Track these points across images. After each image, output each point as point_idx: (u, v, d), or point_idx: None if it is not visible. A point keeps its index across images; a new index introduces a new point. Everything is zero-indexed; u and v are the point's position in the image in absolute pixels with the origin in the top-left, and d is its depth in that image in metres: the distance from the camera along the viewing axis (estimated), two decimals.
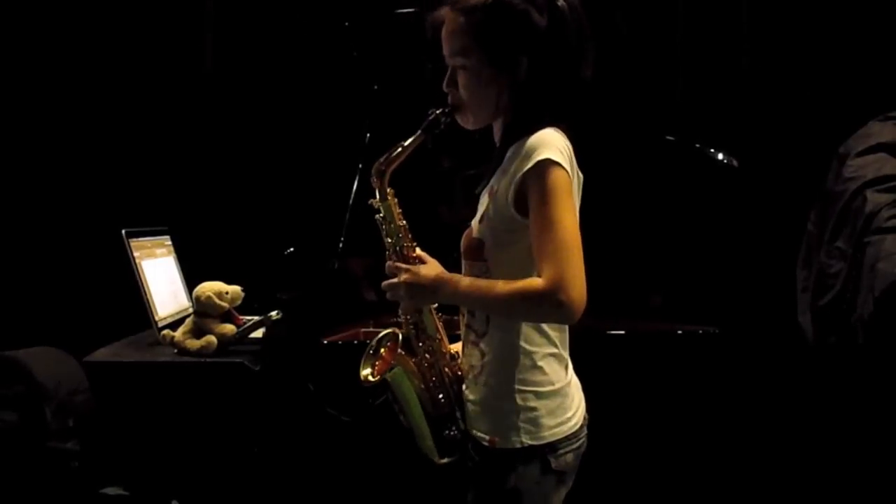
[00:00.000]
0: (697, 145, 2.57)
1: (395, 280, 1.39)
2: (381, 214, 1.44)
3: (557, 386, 1.38)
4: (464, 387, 1.44)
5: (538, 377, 1.36)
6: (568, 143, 1.33)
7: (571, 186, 1.30)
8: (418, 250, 1.44)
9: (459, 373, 1.46)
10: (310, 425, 2.13)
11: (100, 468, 2.50)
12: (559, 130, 1.34)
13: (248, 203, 3.33)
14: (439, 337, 1.46)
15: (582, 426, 1.41)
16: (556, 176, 1.27)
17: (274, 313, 2.21)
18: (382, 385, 1.46)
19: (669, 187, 2.72)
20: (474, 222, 1.42)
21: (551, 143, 1.29)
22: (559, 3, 1.33)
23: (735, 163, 2.51)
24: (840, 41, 2.93)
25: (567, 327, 1.42)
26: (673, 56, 3.18)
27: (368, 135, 2.60)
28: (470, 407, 1.42)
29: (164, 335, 2.25)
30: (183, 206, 3.23)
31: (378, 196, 1.42)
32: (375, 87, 2.65)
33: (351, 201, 2.51)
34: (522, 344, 1.36)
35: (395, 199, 1.43)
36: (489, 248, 1.37)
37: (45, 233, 3.34)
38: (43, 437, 2.57)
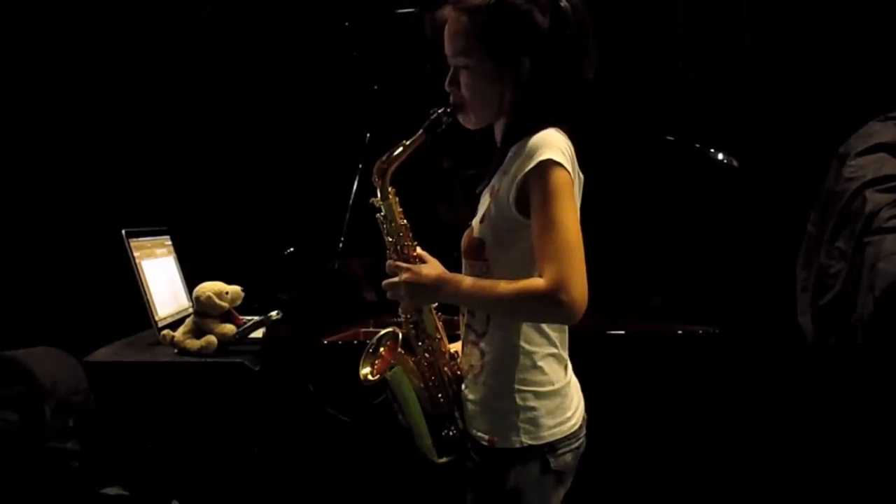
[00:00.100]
0: (697, 145, 2.57)
1: (395, 279, 1.39)
2: (383, 213, 1.44)
3: (557, 386, 1.38)
4: (463, 386, 1.45)
5: (538, 377, 1.36)
6: (569, 143, 1.33)
7: (573, 187, 1.30)
8: (419, 249, 1.44)
9: (459, 372, 1.46)
10: (310, 425, 2.13)
11: (100, 468, 2.50)
12: (561, 131, 1.34)
13: (248, 203, 3.33)
14: (439, 336, 1.47)
15: (581, 426, 1.42)
16: (557, 176, 1.27)
17: (274, 313, 2.21)
18: (382, 384, 1.46)
19: (669, 187, 2.72)
20: (475, 222, 1.42)
21: (553, 144, 1.29)
22: (562, 4, 1.33)
23: (735, 163, 2.51)
24: (840, 41, 2.93)
25: (567, 327, 1.42)
26: (673, 56, 3.18)
27: (368, 135, 2.60)
28: (469, 406, 1.42)
29: (164, 335, 2.25)
30: (183, 206, 3.23)
31: (379, 195, 1.43)
32: (375, 87, 2.65)
33: (351, 201, 2.51)
34: (522, 344, 1.36)
35: (397, 199, 1.44)
36: (490, 247, 1.37)
37: (45, 233, 3.34)
38: (43, 437, 2.57)
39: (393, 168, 1.41)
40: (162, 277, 2.49)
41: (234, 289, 2.28)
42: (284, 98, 3.31)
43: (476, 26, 1.34)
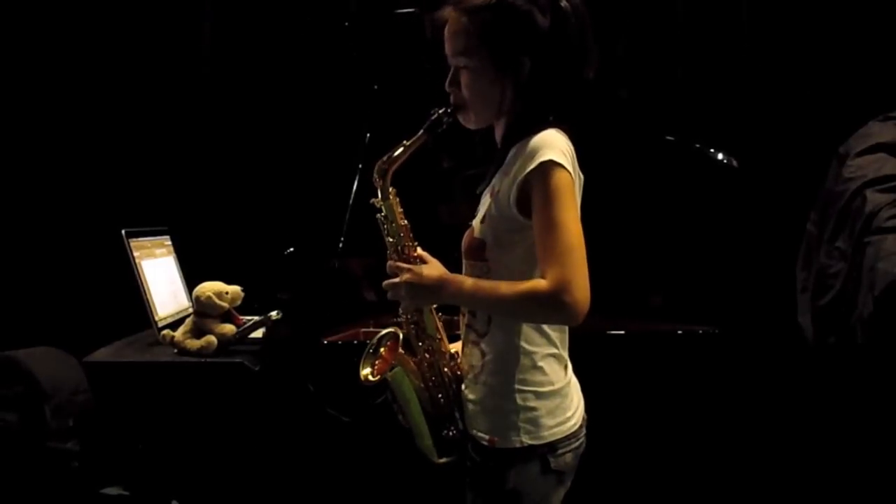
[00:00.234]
0: (697, 145, 2.57)
1: (396, 280, 1.39)
2: (383, 214, 1.44)
3: (557, 386, 1.38)
4: (463, 386, 1.44)
5: (538, 377, 1.36)
6: (570, 144, 1.34)
7: (574, 188, 1.31)
8: (419, 250, 1.44)
9: (459, 373, 1.46)
10: (310, 425, 2.13)
11: (100, 468, 2.50)
12: (561, 131, 1.34)
13: (248, 203, 3.33)
14: (439, 337, 1.47)
15: (581, 426, 1.42)
16: (559, 177, 1.27)
17: (274, 313, 2.21)
18: (382, 385, 1.46)
19: (669, 187, 2.72)
20: (475, 222, 1.42)
21: (554, 145, 1.29)
22: (562, 4, 1.33)
23: (735, 163, 2.51)
24: (840, 41, 2.93)
25: (567, 328, 1.42)
26: (673, 56, 3.18)
27: (368, 135, 2.60)
28: (469, 407, 1.42)
29: (164, 335, 2.25)
30: (183, 206, 3.23)
31: (380, 195, 1.43)
32: (375, 87, 2.65)
33: (351, 201, 2.51)
34: (523, 344, 1.36)
35: (397, 199, 1.43)
36: (490, 248, 1.37)
37: (45, 233, 3.34)
38: (43, 437, 2.57)
39: (393, 168, 1.41)
40: (162, 277, 2.49)
41: (234, 289, 2.28)
42: (284, 98, 3.31)
43: (476, 26, 1.34)
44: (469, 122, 1.43)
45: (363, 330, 2.49)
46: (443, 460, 1.45)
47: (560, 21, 1.33)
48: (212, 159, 3.37)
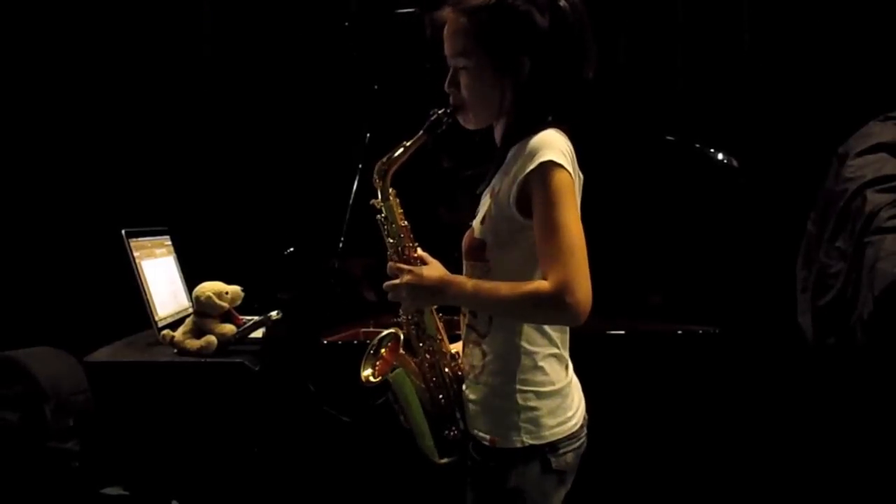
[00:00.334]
0: (697, 145, 2.57)
1: (396, 281, 1.39)
2: (383, 215, 1.44)
3: (558, 386, 1.38)
4: (464, 387, 1.44)
5: (539, 377, 1.36)
6: (569, 144, 1.34)
7: (574, 188, 1.31)
8: (420, 251, 1.44)
9: (460, 373, 1.46)
10: (310, 425, 2.13)
11: (100, 468, 2.50)
12: (560, 131, 1.34)
13: (248, 203, 3.33)
14: (440, 337, 1.47)
15: (582, 426, 1.42)
16: (559, 178, 1.27)
17: (274, 313, 2.21)
18: (383, 385, 1.46)
19: (669, 187, 2.72)
20: (476, 223, 1.42)
21: (553, 145, 1.29)
22: (561, 4, 1.33)
23: (735, 163, 2.51)
24: (840, 41, 2.93)
25: (568, 328, 1.42)
26: (673, 56, 3.18)
27: (368, 135, 2.60)
28: (470, 407, 1.42)
29: (164, 335, 2.25)
30: (183, 206, 3.23)
31: (380, 196, 1.43)
32: (375, 87, 2.65)
33: (351, 201, 2.51)
34: (524, 344, 1.36)
35: (397, 200, 1.43)
36: (491, 248, 1.37)
37: (45, 233, 3.34)
38: (43, 437, 2.56)
39: (393, 169, 1.41)
40: (162, 277, 2.49)
41: (234, 289, 2.28)
42: (284, 98, 3.31)
43: (475, 27, 1.34)
44: (468, 122, 1.43)
45: (363, 330, 2.49)
46: (444, 460, 1.45)
47: (559, 21, 1.33)
48: (212, 159, 3.37)
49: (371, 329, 2.50)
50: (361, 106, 2.68)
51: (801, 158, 2.74)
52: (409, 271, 1.38)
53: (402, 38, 2.49)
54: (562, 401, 1.38)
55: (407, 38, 2.39)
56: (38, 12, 3.34)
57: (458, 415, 1.44)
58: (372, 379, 1.47)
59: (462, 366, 1.46)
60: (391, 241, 1.43)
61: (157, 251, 2.53)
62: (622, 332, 2.30)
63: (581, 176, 1.36)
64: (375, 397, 1.49)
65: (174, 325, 2.30)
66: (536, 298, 1.26)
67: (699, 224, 2.76)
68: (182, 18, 3.38)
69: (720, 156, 2.53)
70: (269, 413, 2.12)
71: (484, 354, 1.39)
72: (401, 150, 1.40)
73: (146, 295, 2.33)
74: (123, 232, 2.32)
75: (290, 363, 2.16)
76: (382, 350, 1.51)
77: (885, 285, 1.71)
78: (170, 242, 2.67)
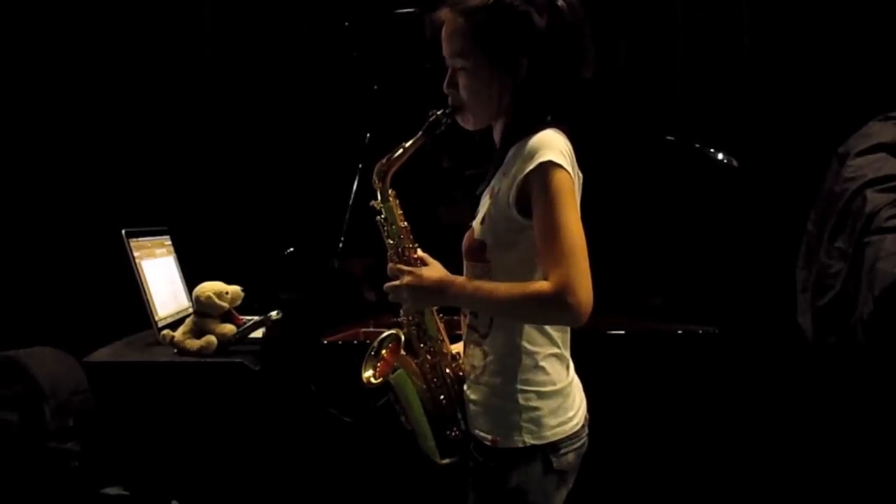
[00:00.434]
0: (697, 145, 2.57)
1: (397, 282, 1.39)
2: (383, 216, 1.44)
3: (559, 386, 1.38)
4: (465, 387, 1.44)
5: (540, 377, 1.36)
6: (568, 143, 1.34)
7: (574, 188, 1.31)
8: (420, 252, 1.44)
9: (461, 373, 1.46)
10: (310, 425, 2.13)
11: (100, 468, 2.50)
12: (559, 131, 1.34)
13: (248, 203, 3.33)
14: (441, 338, 1.47)
15: (583, 426, 1.42)
16: (558, 178, 1.27)
17: (274, 313, 2.21)
18: (384, 386, 1.46)
19: (669, 187, 2.72)
20: (475, 223, 1.42)
21: (552, 145, 1.29)
22: (559, 4, 1.33)
23: (735, 163, 2.51)
24: (840, 41, 2.93)
25: (569, 328, 1.42)
26: (673, 56, 3.18)
27: (368, 135, 2.60)
28: (471, 407, 1.42)
29: (164, 335, 2.25)
30: (183, 206, 3.23)
31: (379, 197, 1.43)
32: (375, 87, 2.65)
33: (351, 201, 2.51)
34: (525, 344, 1.36)
35: (397, 201, 1.44)
36: (491, 248, 1.37)
37: (45, 233, 3.34)
38: (43, 437, 2.56)
39: (393, 171, 1.41)
40: (162, 277, 2.49)
41: (234, 289, 2.28)
42: (284, 98, 3.31)
43: (473, 28, 1.34)
44: (467, 123, 1.43)
45: (363, 330, 2.49)
46: (446, 461, 1.45)
47: (557, 20, 1.33)
48: (212, 159, 3.37)
49: (371, 329, 2.50)
50: (361, 106, 2.68)
51: (801, 158, 2.74)
52: (410, 272, 1.38)
53: (402, 38, 2.49)
54: (563, 400, 1.38)
55: (407, 38, 2.39)
56: (38, 12, 3.34)
57: (459, 415, 1.44)
58: (373, 380, 1.47)
59: (463, 366, 1.46)
60: (391, 242, 1.43)
61: (157, 251, 2.53)
62: (622, 332, 2.30)
63: (580, 175, 1.36)
64: (377, 398, 1.50)
65: (174, 325, 2.30)
66: (537, 299, 1.26)
67: (699, 224, 2.76)
68: (182, 18, 3.38)
69: (720, 156, 2.53)
70: (269, 413, 2.12)
71: (485, 355, 1.39)
72: (400, 151, 1.41)
73: (146, 295, 2.33)
74: (123, 232, 2.32)
75: (291, 363, 2.16)
76: (383, 351, 1.51)
77: (885, 285, 1.71)
78: (170, 242, 2.67)
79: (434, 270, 1.40)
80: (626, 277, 2.62)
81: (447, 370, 1.46)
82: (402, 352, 1.47)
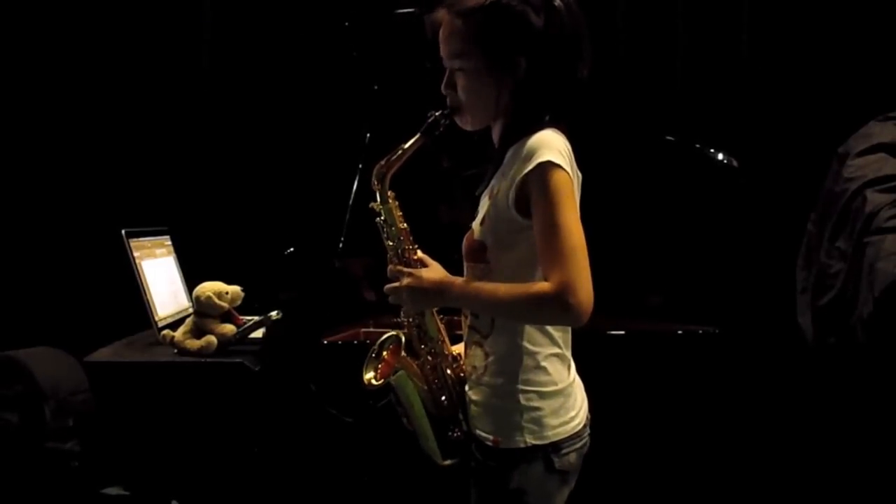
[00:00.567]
0: (697, 145, 2.57)
1: (397, 284, 1.39)
2: (382, 218, 1.44)
3: (561, 386, 1.38)
4: (467, 387, 1.44)
5: (541, 377, 1.36)
6: (567, 143, 1.34)
7: (573, 188, 1.30)
8: (420, 253, 1.44)
9: (462, 374, 1.46)
10: (310, 425, 2.13)
11: (100, 468, 2.50)
12: (558, 131, 1.34)
13: (248, 203, 3.33)
14: (441, 339, 1.47)
15: (585, 426, 1.42)
16: (557, 178, 1.27)
17: (274, 313, 2.21)
18: (385, 388, 1.46)
19: (669, 187, 2.72)
20: (475, 224, 1.42)
21: (551, 145, 1.29)
22: (556, 4, 1.33)
23: (735, 163, 2.51)
24: (840, 41, 2.93)
25: (570, 328, 1.42)
26: (672, 55, 3.18)
27: (368, 135, 2.60)
28: (473, 408, 1.42)
29: (164, 335, 2.25)
30: (183, 206, 3.23)
31: (379, 199, 1.43)
32: (375, 87, 2.65)
33: (351, 201, 2.51)
34: (526, 344, 1.36)
35: (396, 202, 1.44)
36: (491, 249, 1.37)
37: (45, 233, 3.34)
38: (43, 437, 2.56)
39: (392, 172, 1.41)
40: (162, 277, 2.49)
41: (234, 289, 2.28)
42: (284, 98, 3.31)
43: (471, 28, 1.34)
44: (466, 124, 1.43)
45: (363, 330, 2.49)
46: (447, 462, 1.45)
47: (554, 20, 1.33)
48: (212, 159, 3.37)
49: (371, 329, 2.50)
50: (361, 106, 2.68)
51: (801, 158, 2.74)
52: (410, 274, 1.38)
53: (401, 38, 2.49)
54: (564, 400, 1.38)
55: (407, 38, 2.39)
56: (38, 12, 3.34)
57: (460, 416, 1.44)
58: (374, 382, 1.47)
59: (464, 367, 1.46)
60: (391, 243, 1.44)
61: (157, 251, 2.53)
62: (622, 332, 2.30)
63: (580, 175, 1.36)
64: (378, 399, 1.49)
65: (174, 325, 2.30)
66: (538, 300, 1.26)
67: (699, 224, 2.76)
68: (182, 19, 3.38)
69: (720, 156, 2.53)
70: (269, 413, 2.12)
71: (486, 355, 1.39)
72: (399, 152, 1.41)
73: (146, 295, 2.33)
74: (123, 232, 2.32)
75: (291, 363, 2.16)
76: (384, 353, 1.51)
77: (885, 285, 1.71)
78: (170, 242, 2.67)
79: (434, 272, 1.41)
80: (626, 277, 2.62)
81: (448, 371, 1.46)
82: (403, 353, 1.47)
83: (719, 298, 2.68)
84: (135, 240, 2.38)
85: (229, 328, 2.21)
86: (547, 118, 1.36)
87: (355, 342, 2.34)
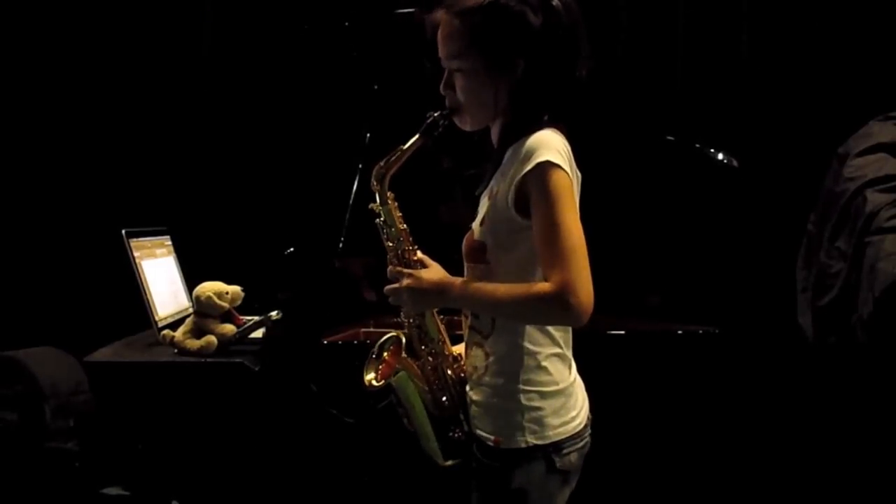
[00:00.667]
0: (697, 145, 2.57)
1: (397, 285, 1.39)
2: (382, 219, 1.44)
3: (562, 386, 1.38)
4: (468, 388, 1.44)
5: (542, 377, 1.36)
6: (566, 143, 1.33)
7: (572, 187, 1.30)
8: (419, 254, 1.44)
9: (462, 375, 1.46)
10: (310, 426, 2.13)
11: (100, 468, 2.50)
12: (557, 131, 1.34)
13: (248, 203, 3.33)
14: (442, 339, 1.47)
15: (586, 426, 1.42)
16: (557, 178, 1.27)
17: (274, 313, 2.21)
18: (386, 389, 1.46)
19: (669, 187, 2.72)
20: (475, 225, 1.42)
21: (550, 145, 1.29)
22: (554, 3, 1.33)
23: (735, 163, 2.52)
24: (840, 41, 2.93)
25: (571, 327, 1.42)
26: (673, 55, 3.18)
27: (368, 135, 2.60)
28: (474, 408, 1.42)
29: (164, 335, 2.25)
30: (183, 206, 3.23)
31: (378, 200, 1.43)
32: (375, 87, 2.65)
33: (351, 201, 2.51)
34: (526, 344, 1.36)
35: (396, 203, 1.44)
36: (491, 250, 1.37)
37: (45, 233, 3.34)
38: (43, 437, 2.56)
39: (391, 173, 1.41)
40: (162, 277, 2.49)
41: (234, 289, 2.28)
42: (284, 98, 3.31)
43: (469, 29, 1.34)
44: (465, 124, 1.43)
45: (363, 330, 2.49)
46: (448, 463, 1.45)
47: (552, 20, 1.33)
48: (212, 159, 3.37)
49: (371, 329, 2.51)
50: (361, 106, 2.68)
51: (801, 158, 2.74)
52: (409, 275, 1.38)
53: (402, 38, 2.49)
54: (565, 400, 1.38)
55: (407, 38, 2.39)
56: (38, 12, 3.34)
57: (461, 416, 1.44)
58: (375, 383, 1.47)
59: (465, 367, 1.46)
60: (390, 244, 1.43)
61: (157, 251, 2.53)
62: (622, 332, 2.30)
63: (579, 175, 1.36)
64: (378, 400, 1.49)
65: (174, 325, 2.30)
66: (538, 300, 1.26)
67: (699, 224, 2.76)
68: (182, 18, 3.38)
69: (720, 156, 2.53)
70: (269, 413, 2.12)
71: (487, 355, 1.39)
72: (398, 153, 1.41)
73: (146, 295, 2.33)
74: (123, 232, 2.32)
75: (291, 363, 2.16)
76: (384, 354, 1.51)
77: (885, 285, 1.71)
78: (170, 242, 2.66)
79: (434, 272, 1.41)
80: (626, 277, 2.62)
81: (449, 371, 1.46)
82: (404, 354, 1.47)
83: (719, 298, 2.68)
84: (135, 240, 2.38)
85: (229, 328, 2.21)
86: (546, 118, 1.36)
87: (355, 342, 2.34)
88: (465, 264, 1.45)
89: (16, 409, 2.59)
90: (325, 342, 2.24)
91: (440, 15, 1.38)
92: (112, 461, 2.23)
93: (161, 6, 3.36)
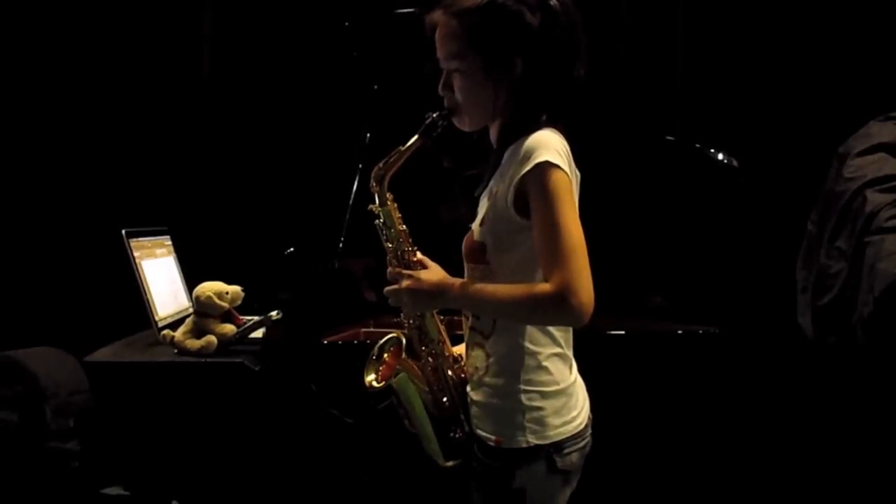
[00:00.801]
0: (697, 145, 2.57)
1: (397, 286, 1.39)
2: (381, 220, 1.44)
3: (562, 386, 1.38)
4: (468, 388, 1.44)
5: (543, 377, 1.36)
6: (565, 143, 1.33)
7: (571, 187, 1.30)
8: (419, 255, 1.44)
9: (463, 375, 1.46)
10: (310, 426, 2.13)
11: (100, 468, 2.50)
12: (556, 131, 1.34)
13: (248, 203, 3.33)
14: (442, 340, 1.47)
15: (587, 426, 1.42)
16: (556, 178, 1.27)
17: (274, 313, 2.21)
18: (386, 390, 1.46)
19: (669, 187, 2.72)
20: (475, 225, 1.42)
21: (549, 145, 1.29)
22: (552, 3, 1.33)
23: (735, 163, 2.52)
24: (840, 41, 2.93)
25: (571, 327, 1.42)
26: (673, 55, 3.18)
27: (368, 135, 2.60)
28: (474, 408, 1.42)
29: (164, 335, 2.25)
30: (183, 206, 3.23)
31: (377, 201, 1.42)
32: (375, 87, 2.65)
33: (351, 201, 2.51)
34: (527, 344, 1.36)
35: (395, 204, 1.43)
36: (491, 250, 1.37)
37: (45, 233, 3.34)
38: (43, 437, 2.56)
39: (390, 174, 1.41)
40: (162, 277, 2.49)
41: (234, 289, 2.28)
42: (284, 98, 3.31)
43: (467, 29, 1.34)
44: (464, 125, 1.43)
45: (363, 330, 2.49)
46: (449, 463, 1.45)
47: (550, 19, 1.33)
48: (212, 160, 3.37)
49: (371, 329, 2.51)
50: (361, 106, 2.68)
51: (801, 158, 2.74)
52: (409, 276, 1.38)
53: (401, 39, 2.49)
54: (566, 400, 1.38)
55: (407, 39, 2.39)
56: (38, 12, 3.34)
57: (462, 417, 1.44)
58: (375, 384, 1.47)
59: (465, 368, 1.46)
60: (390, 245, 1.43)
61: (157, 251, 2.53)
62: (622, 332, 2.30)
63: (578, 175, 1.36)
64: (379, 401, 1.49)
65: (174, 325, 2.30)
66: (538, 300, 1.26)
67: (699, 224, 2.76)
68: (183, 19, 3.38)
69: (720, 156, 2.53)
70: (269, 413, 2.12)
71: (487, 356, 1.39)
72: (396, 154, 1.40)
73: (146, 295, 2.33)
74: (123, 232, 2.32)
75: (291, 363, 2.16)
76: (385, 355, 1.51)
77: (885, 285, 1.71)
78: (170, 242, 2.66)
79: (433, 273, 1.41)
80: (626, 277, 2.62)
81: (449, 372, 1.46)
82: (404, 355, 1.47)
83: (719, 298, 2.68)
84: (135, 240, 2.38)
85: (229, 328, 2.21)
86: (544, 118, 1.35)
87: (356, 342, 2.34)
88: (465, 265, 1.44)
89: (16, 409, 2.59)
90: (326, 342, 2.24)
91: (438, 16, 1.38)
92: (112, 461, 2.23)
93: (161, 6, 3.36)
